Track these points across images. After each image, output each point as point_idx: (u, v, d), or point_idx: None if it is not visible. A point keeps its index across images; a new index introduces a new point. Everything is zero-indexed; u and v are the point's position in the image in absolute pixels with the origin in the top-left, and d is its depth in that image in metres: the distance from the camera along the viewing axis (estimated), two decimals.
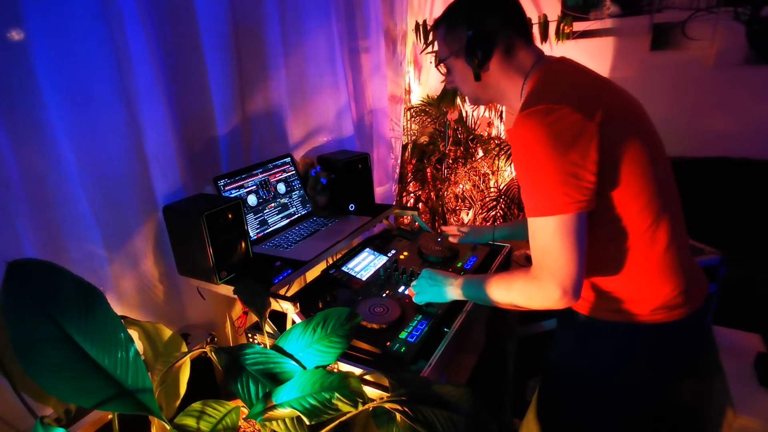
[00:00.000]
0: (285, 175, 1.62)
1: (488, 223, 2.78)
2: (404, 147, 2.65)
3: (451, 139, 2.82)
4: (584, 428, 1.05)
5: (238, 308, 1.54)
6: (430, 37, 2.45)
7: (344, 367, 1.06)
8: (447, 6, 1.03)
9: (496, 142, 2.94)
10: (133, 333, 0.82)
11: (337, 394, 0.70)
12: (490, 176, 2.99)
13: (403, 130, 2.56)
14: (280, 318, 1.16)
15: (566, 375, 1.06)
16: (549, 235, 0.83)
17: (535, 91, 0.92)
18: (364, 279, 1.39)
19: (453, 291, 1.10)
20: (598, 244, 0.89)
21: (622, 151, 0.85)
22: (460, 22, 0.99)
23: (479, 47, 0.96)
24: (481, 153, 2.96)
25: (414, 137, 2.88)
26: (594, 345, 0.99)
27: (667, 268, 0.91)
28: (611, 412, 1.01)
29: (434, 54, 2.47)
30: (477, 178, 2.92)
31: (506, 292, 0.96)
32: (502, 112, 3.17)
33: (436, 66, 1.14)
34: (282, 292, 1.27)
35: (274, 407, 0.72)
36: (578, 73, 0.95)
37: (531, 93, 0.92)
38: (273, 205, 1.56)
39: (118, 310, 1.23)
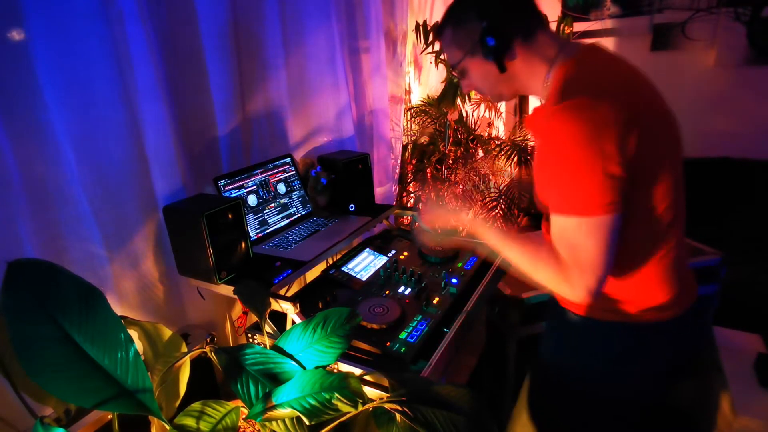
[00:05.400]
0: (285, 175, 1.62)
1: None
2: (404, 147, 2.65)
3: (451, 139, 2.82)
4: (576, 427, 1.05)
5: (238, 308, 1.54)
6: (431, 37, 2.45)
7: (344, 367, 1.06)
8: (446, 8, 0.96)
9: (496, 142, 2.94)
10: (133, 333, 0.82)
11: (337, 395, 0.70)
12: (491, 177, 2.98)
13: (404, 130, 2.55)
14: (280, 318, 1.16)
15: (555, 373, 1.04)
16: (583, 236, 0.79)
17: (570, 82, 0.85)
18: (364, 279, 1.39)
19: (479, 224, 1.04)
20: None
21: (651, 153, 0.80)
22: (469, 17, 0.92)
23: (497, 37, 0.89)
24: (481, 153, 2.96)
25: (414, 137, 2.88)
26: (583, 342, 0.98)
27: (666, 274, 0.90)
28: (602, 411, 1.00)
29: (434, 54, 2.47)
30: (477, 178, 2.92)
31: (532, 268, 0.90)
32: (502, 111, 3.17)
33: (452, 74, 1.08)
34: (282, 292, 1.27)
35: (274, 407, 0.72)
36: (615, 64, 0.89)
37: (566, 83, 0.85)
38: (273, 205, 1.56)
39: (118, 310, 1.23)
